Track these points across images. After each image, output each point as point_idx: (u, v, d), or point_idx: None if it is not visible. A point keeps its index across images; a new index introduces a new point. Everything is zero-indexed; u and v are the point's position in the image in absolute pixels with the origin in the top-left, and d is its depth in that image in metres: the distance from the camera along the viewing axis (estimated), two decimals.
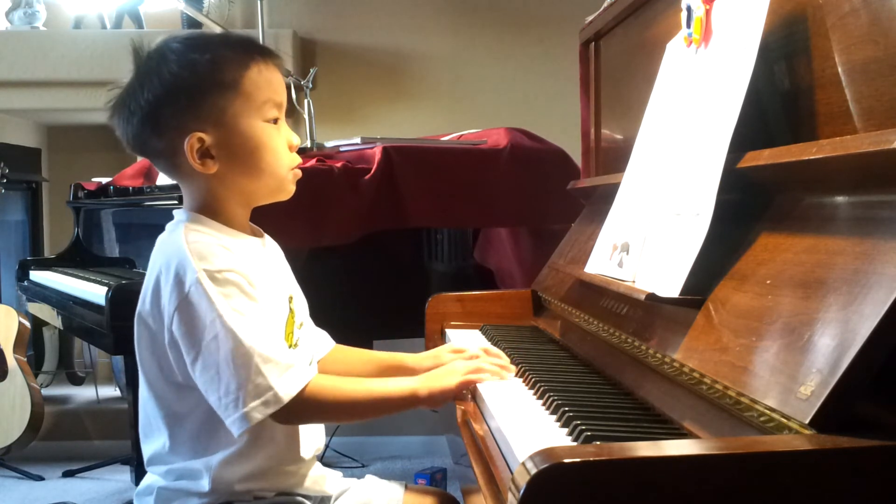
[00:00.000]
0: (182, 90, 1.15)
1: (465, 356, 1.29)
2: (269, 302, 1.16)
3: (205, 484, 1.17)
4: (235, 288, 1.11)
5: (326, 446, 3.10)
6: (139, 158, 3.25)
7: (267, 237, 1.28)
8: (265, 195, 1.22)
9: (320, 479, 1.28)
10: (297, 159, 1.23)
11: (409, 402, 1.19)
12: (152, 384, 1.19)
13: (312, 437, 1.26)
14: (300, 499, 1.24)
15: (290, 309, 1.24)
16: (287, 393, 1.09)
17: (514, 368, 1.28)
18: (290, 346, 1.20)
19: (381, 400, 1.19)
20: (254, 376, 1.08)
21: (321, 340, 1.39)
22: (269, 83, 1.18)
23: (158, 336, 1.15)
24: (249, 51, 1.18)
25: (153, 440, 1.21)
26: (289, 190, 1.23)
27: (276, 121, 1.19)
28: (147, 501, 1.22)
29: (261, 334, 1.11)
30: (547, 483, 0.67)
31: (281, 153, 1.20)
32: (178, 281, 1.11)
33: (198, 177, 1.18)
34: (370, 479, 1.36)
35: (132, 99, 1.16)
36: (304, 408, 1.12)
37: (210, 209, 1.19)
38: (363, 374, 1.35)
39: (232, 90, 1.15)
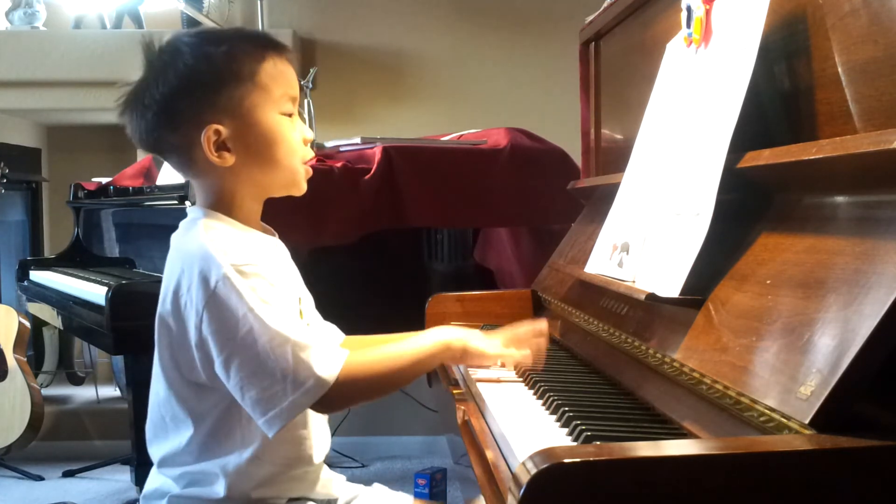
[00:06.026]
0: (198, 82, 1.14)
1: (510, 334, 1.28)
2: (285, 295, 1.16)
3: (220, 490, 1.15)
4: (261, 279, 1.10)
5: None
6: (139, 158, 3.26)
7: (277, 238, 1.27)
8: (279, 188, 1.22)
9: (328, 482, 1.28)
10: (311, 154, 1.23)
11: (441, 357, 1.21)
12: (172, 384, 1.17)
13: (322, 439, 1.25)
14: (310, 503, 1.23)
15: (300, 310, 1.23)
16: (329, 375, 1.08)
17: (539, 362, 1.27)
18: None
19: (416, 362, 1.19)
20: (294, 365, 1.07)
21: (331, 333, 1.38)
22: (284, 77, 1.19)
23: (179, 337, 1.13)
24: (264, 44, 1.19)
25: (167, 440, 1.19)
26: (302, 186, 1.23)
27: (290, 115, 1.20)
28: None
29: (291, 322, 1.10)
30: (547, 483, 0.67)
31: (296, 146, 1.20)
32: (203, 278, 1.10)
33: (212, 172, 1.17)
34: (378, 488, 1.35)
35: (146, 94, 1.15)
36: (345, 389, 1.10)
37: (224, 205, 1.19)
38: None
39: (249, 82, 1.15)
